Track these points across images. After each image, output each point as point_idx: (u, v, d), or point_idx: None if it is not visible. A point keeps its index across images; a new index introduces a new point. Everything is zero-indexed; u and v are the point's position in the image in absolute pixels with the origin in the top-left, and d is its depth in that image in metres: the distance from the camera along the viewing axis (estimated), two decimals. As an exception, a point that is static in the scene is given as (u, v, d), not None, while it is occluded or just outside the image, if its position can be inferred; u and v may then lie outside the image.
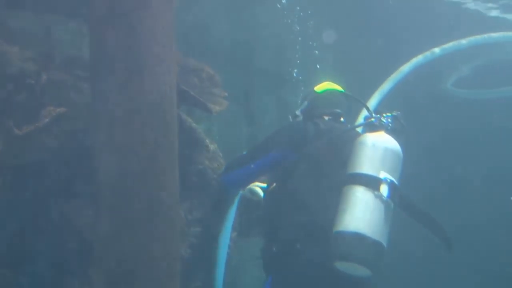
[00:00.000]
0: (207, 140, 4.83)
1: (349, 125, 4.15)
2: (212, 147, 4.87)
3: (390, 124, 3.79)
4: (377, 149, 3.59)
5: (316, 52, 7.83)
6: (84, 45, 3.90)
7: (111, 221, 3.58)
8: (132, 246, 3.57)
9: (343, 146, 3.81)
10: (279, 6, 8.16)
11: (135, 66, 3.63)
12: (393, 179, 3.55)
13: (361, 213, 3.43)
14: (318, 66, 7.77)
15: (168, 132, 3.77)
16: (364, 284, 3.65)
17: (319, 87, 4.37)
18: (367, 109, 4.08)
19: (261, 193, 4.54)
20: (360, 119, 5.57)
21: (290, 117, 4.50)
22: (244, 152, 4.47)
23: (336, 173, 3.72)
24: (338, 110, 4.28)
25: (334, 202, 3.59)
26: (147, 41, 3.67)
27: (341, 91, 4.38)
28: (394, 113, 3.85)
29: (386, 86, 6.46)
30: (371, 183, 3.50)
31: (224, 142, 5.01)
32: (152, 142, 3.66)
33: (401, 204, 3.68)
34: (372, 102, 6.13)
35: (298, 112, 4.41)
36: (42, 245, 3.97)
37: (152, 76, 3.66)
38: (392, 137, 3.69)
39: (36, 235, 3.96)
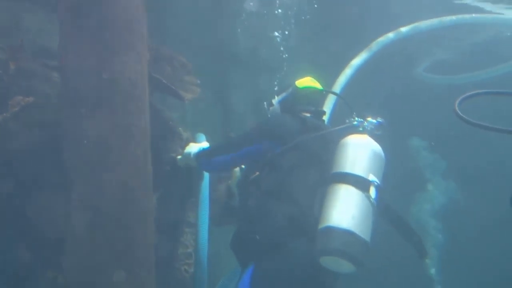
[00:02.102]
0: (180, 128, 4.81)
1: (330, 125, 4.17)
2: (185, 135, 4.85)
3: (372, 129, 3.87)
4: (366, 152, 3.66)
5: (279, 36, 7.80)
6: (54, 34, 3.84)
7: (83, 211, 3.56)
8: (104, 236, 3.56)
9: (327, 145, 3.87)
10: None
11: (105, 54, 3.60)
12: (379, 182, 3.62)
13: (352, 212, 3.48)
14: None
15: (140, 121, 3.75)
16: (338, 279, 3.73)
17: (300, 82, 4.38)
18: (351, 110, 4.09)
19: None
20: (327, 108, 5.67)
21: (265, 103, 4.51)
22: (224, 140, 4.49)
23: (321, 169, 3.77)
24: (321, 109, 4.38)
25: (319, 197, 3.64)
26: (118, 29, 3.64)
27: (321, 90, 4.44)
28: (379, 120, 3.92)
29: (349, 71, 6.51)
30: (361, 184, 3.56)
31: (198, 130, 4.99)
32: (124, 131, 3.65)
33: (382, 207, 3.73)
34: (338, 84, 6.18)
35: (275, 102, 4.44)
36: (13, 235, 3.94)
37: (122, 64, 3.64)
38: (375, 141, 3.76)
39: (6, 225, 3.92)
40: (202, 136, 4.77)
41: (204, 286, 4.44)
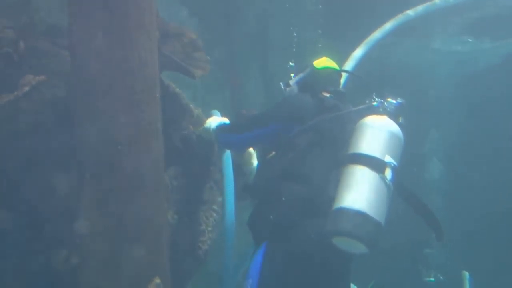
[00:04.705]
0: (191, 105, 4.80)
1: (351, 106, 4.14)
2: (196, 112, 4.84)
3: (392, 109, 3.84)
4: (383, 133, 3.64)
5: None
6: (63, 12, 3.83)
7: (95, 189, 3.58)
8: (117, 214, 3.58)
9: (345, 126, 3.86)
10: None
11: (114, 32, 3.59)
12: (396, 163, 3.61)
13: (366, 193, 3.48)
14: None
15: (151, 98, 3.75)
16: (352, 260, 3.77)
17: (318, 63, 4.38)
18: (370, 91, 4.06)
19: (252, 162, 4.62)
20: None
21: (281, 84, 4.51)
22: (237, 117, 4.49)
23: (339, 150, 3.77)
24: (342, 90, 4.37)
25: (335, 178, 3.64)
26: (127, 6, 3.62)
27: (339, 70, 4.47)
28: (399, 100, 3.89)
29: (361, 50, 6.44)
30: (377, 165, 3.55)
31: (209, 107, 4.97)
32: (135, 108, 3.65)
33: (399, 189, 3.73)
34: (350, 63, 6.13)
35: (292, 83, 4.43)
36: (27, 214, 3.96)
37: (132, 42, 3.62)
38: (395, 122, 3.74)
39: (19, 205, 3.94)
40: (217, 113, 4.77)
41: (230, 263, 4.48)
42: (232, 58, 8.67)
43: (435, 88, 10.19)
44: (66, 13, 3.71)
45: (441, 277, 8.66)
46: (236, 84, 8.66)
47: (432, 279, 8.72)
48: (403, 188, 3.79)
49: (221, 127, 4.48)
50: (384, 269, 8.13)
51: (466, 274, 6.92)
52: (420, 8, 7.46)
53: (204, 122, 4.70)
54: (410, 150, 3.82)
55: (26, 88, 3.62)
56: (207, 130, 4.58)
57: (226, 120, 4.64)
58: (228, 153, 4.70)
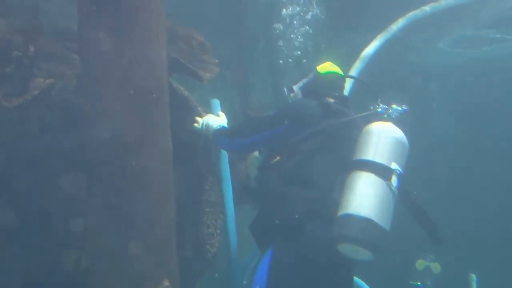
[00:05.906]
0: (199, 108, 4.81)
1: (354, 111, 4.15)
2: (205, 115, 4.84)
3: (396, 116, 3.86)
4: (389, 140, 3.65)
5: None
6: (73, 15, 3.85)
7: (104, 190, 3.60)
8: (125, 214, 3.60)
9: (351, 131, 3.86)
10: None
11: (123, 34, 3.60)
12: (401, 170, 3.62)
13: (373, 200, 3.49)
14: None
15: (160, 101, 3.76)
16: (354, 266, 3.78)
17: (321, 68, 4.39)
18: (375, 97, 4.06)
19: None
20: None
21: (285, 90, 4.50)
22: (244, 119, 4.48)
23: (344, 156, 3.77)
24: (346, 95, 4.41)
25: (341, 184, 3.65)
26: (135, 8, 3.64)
27: (343, 75, 4.47)
28: (404, 107, 3.90)
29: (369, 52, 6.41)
30: (383, 172, 3.56)
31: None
32: (144, 110, 3.66)
33: (403, 195, 3.74)
34: (357, 66, 6.11)
35: (296, 88, 4.43)
36: (35, 215, 3.98)
37: (140, 43, 3.64)
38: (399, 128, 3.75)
39: (30, 206, 3.96)
40: (217, 103, 4.75)
41: (235, 267, 4.48)
42: (238, 56, 8.67)
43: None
44: (76, 16, 3.73)
45: (429, 282, 8.56)
46: (238, 77, 8.64)
47: (419, 283, 8.61)
48: (406, 195, 3.79)
49: (221, 131, 4.47)
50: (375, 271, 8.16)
51: (473, 276, 6.91)
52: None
53: (200, 116, 4.69)
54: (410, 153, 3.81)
55: (36, 92, 3.64)
56: (205, 129, 4.57)
57: (224, 121, 4.62)
58: (224, 154, 4.70)
